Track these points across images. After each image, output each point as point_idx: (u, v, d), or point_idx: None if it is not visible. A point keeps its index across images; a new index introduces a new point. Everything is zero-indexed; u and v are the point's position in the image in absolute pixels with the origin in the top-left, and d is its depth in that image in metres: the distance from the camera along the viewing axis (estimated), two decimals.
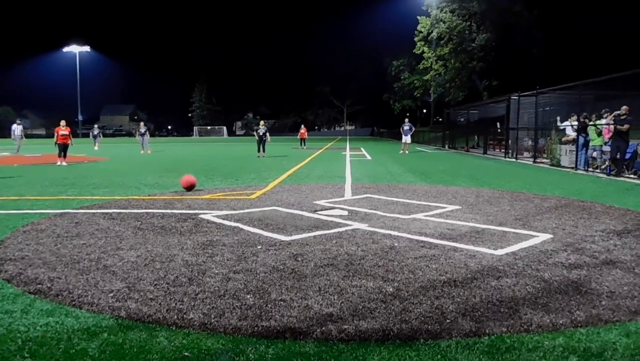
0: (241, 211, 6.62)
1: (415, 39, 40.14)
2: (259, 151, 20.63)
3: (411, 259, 4.20)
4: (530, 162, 17.49)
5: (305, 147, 30.50)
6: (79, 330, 2.73)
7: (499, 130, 24.78)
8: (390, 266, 3.99)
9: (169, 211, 6.71)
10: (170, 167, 15.14)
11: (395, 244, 4.76)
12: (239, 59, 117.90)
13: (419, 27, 39.23)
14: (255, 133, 21.50)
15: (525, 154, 19.86)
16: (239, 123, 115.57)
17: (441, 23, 37.30)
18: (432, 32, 38.14)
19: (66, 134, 17.11)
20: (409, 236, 5.10)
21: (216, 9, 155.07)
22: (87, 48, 64.94)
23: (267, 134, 21.04)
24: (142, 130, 27.23)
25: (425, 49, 39.58)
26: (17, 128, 25.28)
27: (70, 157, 17.66)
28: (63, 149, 16.74)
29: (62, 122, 17.66)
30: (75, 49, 64.25)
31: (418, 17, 39.10)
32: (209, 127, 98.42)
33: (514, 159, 19.38)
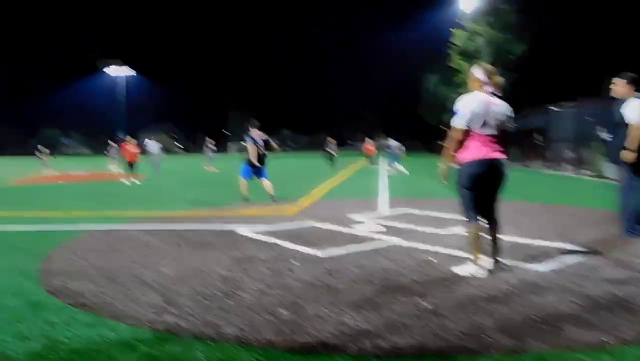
0: (277, 226, 6.66)
1: (451, 52, 39.83)
2: (330, 164, 23.67)
3: (449, 274, 4.12)
4: (572, 174, 16.95)
5: (372, 165, 26.31)
6: (119, 342, 2.79)
7: (537, 141, 24.20)
8: (427, 281, 3.92)
9: (206, 226, 6.82)
10: (217, 183, 15.39)
11: (432, 259, 4.68)
12: (273, 75, 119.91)
13: (454, 40, 38.93)
14: (327, 150, 24.51)
15: (566, 165, 19.28)
16: (274, 139, 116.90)
17: (477, 35, 36.91)
18: (468, 44, 37.78)
19: (133, 150, 16.81)
20: (447, 251, 5.01)
21: (250, 22, 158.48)
22: (127, 69, 67.26)
23: (335, 148, 24.29)
24: (212, 146, 27.38)
25: (461, 61, 39.19)
26: (152, 144, 24.24)
27: (116, 174, 18.15)
28: (131, 166, 16.45)
29: (130, 139, 17.34)
30: (117, 72, 66.69)
31: (453, 30, 38.83)
32: (244, 143, 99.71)
33: (553, 171, 18.83)
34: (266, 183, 9.75)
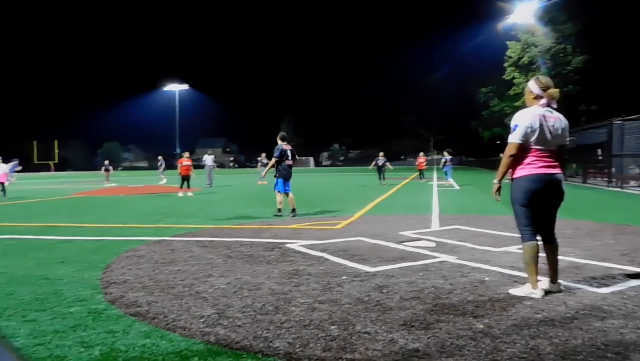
0: (326, 241, 6.66)
1: (505, 64, 38.88)
2: (379, 178, 23.15)
3: (503, 294, 3.98)
4: (637, 192, 16.04)
5: (424, 179, 25.61)
6: (172, 352, 2.86)
7: (599, 157, 23.08)
8: (480, 301, 3.80)
9: (256, 240, 6.92)
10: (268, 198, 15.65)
11: (486, 278, 4.54)
12: (324, 90, 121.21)
13: (508, 53, 38.01)
14: (375, 163, 23.98)
15: (632, 183, 18.26)
16: (324, 154, 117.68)
17: (532, 47, 35.90)
18: (522, 56, 36.80)
19: (189, 165, 17.20)
20: (501, 270, 4.85)
21: (301, 41, 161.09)
22: (185, 86, 69.76)
23: (387, 163, 23.87)
24: (265, 161, 27.21)
25: (516, 74, 38.16)
26: (209, 159, 24.49)
27: (168, 188, 18.77)
28: (186, 180, 16.81)
29: (186, 154, 17.69)
30: (174, 87, 69.31)
31: (507, 43, 37.96)
32: (296, 158, 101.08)
33: (618, 189, 17.88)
34: (290, 195, 9.77)
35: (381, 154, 24.06)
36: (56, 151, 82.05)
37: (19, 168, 27.88)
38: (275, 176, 9.79)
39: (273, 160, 9.73)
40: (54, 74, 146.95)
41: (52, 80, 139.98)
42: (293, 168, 10.02)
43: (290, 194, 9.77)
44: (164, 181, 27.46)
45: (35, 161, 79.56)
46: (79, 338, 3.09)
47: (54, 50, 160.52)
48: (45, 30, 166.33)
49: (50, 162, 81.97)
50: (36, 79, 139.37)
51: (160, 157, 31.00)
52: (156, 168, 34.85)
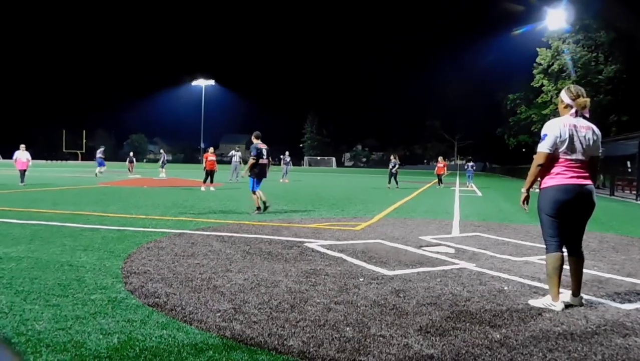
0: (345, 242, 6.66)
1: (534, 71, 38.20)
2: (389, 182, 21.60)
3: (522, 305, 3.92)
4: None
5: (441, 186, 24.16)
6: (188, 345, 2.90)
7: (629, 169, 22.53)
8: (498, 310, 3.75)
9: (276, 237, 6.95)
10: (292, 196, 15.73)
11: (505, 287, 4.47)
12: (349, 91, 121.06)
13: (538, 60, 37.34)
14: (391, 168, 22.05)
15: None
16: (347, 155, 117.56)
17: (562, 54, 35.19)
18: (552, 64, 36.11)
19: (213, 160, 17.63)
20: (520, 280, 4.78)
21: (327, 43, 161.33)
22: (212, 82, 70.51)
23: (397, 166, 21.95)
24: (287, 159, 27.57)
25: (545, 82, 37.48)
26: (236, 155, 24.88)
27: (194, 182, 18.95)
28: (210, 174, 17.14)
29: (210, 149, 18.06)
30: (201, 83, 70.09)
31: (537, 49, 37.31)
32: (318, 158, 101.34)
33: None
34: (258, 193, 9.83)
35: (392, 157, 22.76)
36: (84, 140, 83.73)
37: (102, 156, 28.36)
38: (249, 175, 9.86)
39: (251, 160, 9.75)
40: (86, 66, 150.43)
41: (84, 71, 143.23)
42: (269, 168, 10.13)
43: (259, 192, 9.83)
44: (163, 175, 27.48)
45: (64, 150, 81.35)
46: (99, 325, 3.15)
47: (88, 43, 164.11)
48: (80, 23, 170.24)
49: (78, 152, 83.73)
50: (69, 70, 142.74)
51: (162, 151, 31.25)
52: (179, 162, 35.33)
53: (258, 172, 9.78)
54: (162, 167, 28.65)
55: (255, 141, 9.95)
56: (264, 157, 9.86)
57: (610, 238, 7.90)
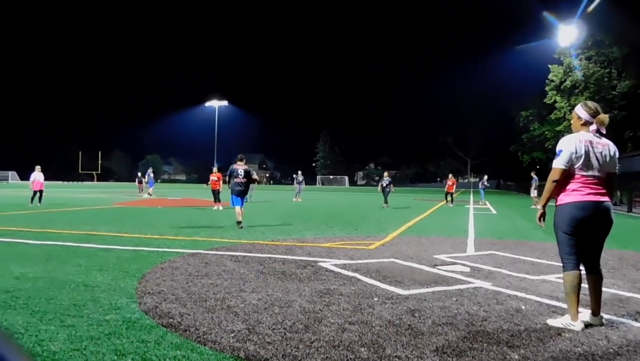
0: (359, 261, 6.62)
1: (547, 88, 38.04)
2: (385, 202, 20.32)
3: (540, 325, 3.85)
4: None
5: (452, 204, 23.29)
6: None
7: None
8: (516, 330, 3.68)
9: (289, 257, 6.93)
10: (305, 215, 15.72)
11: (522, 306, 4.40)
12: (362, 108, 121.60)
13: (550, 76, 37.19)
14: (382, 185, 20.99)
15: None
16: (360, 173, 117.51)
17: (575, 70, 35.03)
18: (565, 80, 35.95)
19: (215, 180, 18.23)
20: (538, 299, 4.69)
21: (341, 61, 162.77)
22: (225, 102, 71.22)
23: (391, 185, 20.91)
24: (300, 178, 27.51)
25: (558, 98, 37.28)
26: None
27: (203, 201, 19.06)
28: (214, 193, 17.84)
29: (214, 169, 18.64)
30: (214, 103, 70.85)
31: (549, 66, 37.20)
32: (331, 177, 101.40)
33: None
34: (237, 209, 10.69)
35: (386, 174, 21.81)
36: (99, 161, 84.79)
37: (151, 175, 28.63)
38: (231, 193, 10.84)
39: (227, 178, 10.94)
40: (103, 89, 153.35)
41: (101, 94, 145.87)
42: (248, 185, 11.07)
43: (237, 208, 10.68)
44: (147, 195, 27.09)
45: (80, 171, 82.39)
46: (114, 346, 3.15)
47: (104, 67, 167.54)
48: (96, 47, 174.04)
49: (94, 172, 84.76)
50: (86, 92, 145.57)
51: (149, 170, 29.61)
52: (192, 182, 35.44)
53: (234, 190, 10.73)
54: (148, 187, 28.04)
55: (237, 162, 11.01)
56: (240, 176, 10.73)
57: (630, 256, 7.75)
